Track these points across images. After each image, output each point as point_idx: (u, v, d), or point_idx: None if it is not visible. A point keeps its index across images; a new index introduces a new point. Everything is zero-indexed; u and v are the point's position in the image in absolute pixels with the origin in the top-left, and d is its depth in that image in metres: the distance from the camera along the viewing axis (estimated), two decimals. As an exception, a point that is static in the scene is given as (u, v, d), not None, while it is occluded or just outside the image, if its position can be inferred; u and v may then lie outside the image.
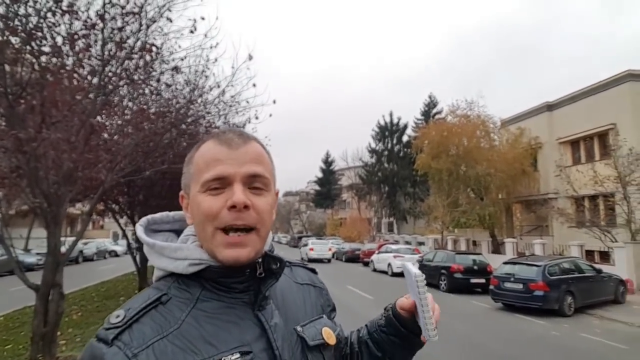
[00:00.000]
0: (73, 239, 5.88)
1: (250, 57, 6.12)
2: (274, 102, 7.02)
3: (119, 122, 5.82)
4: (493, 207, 24.18)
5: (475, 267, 15.21)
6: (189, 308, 0.72)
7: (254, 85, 6.50)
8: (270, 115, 7.60)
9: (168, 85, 7.60)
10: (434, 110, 42.55)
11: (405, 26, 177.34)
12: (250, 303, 0.77)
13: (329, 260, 28.33)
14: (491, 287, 12.07)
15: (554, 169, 21.22)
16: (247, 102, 7.27)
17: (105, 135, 5.85)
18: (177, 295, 0.74)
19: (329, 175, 62.49)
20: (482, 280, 14.64)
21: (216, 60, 6.47)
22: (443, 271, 15.40)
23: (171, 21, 5.30)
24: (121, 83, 5.60)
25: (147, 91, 6.83)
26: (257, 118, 7.54)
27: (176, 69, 8.00)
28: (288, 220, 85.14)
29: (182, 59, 6.22)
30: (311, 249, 28.30)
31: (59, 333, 6.51)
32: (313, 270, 1.03)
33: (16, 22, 4.49)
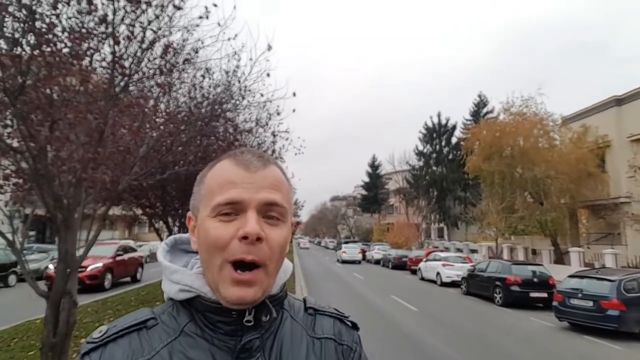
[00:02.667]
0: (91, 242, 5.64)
1: (269, 48, 5.62)
2: (294, 94, 6.46)
3: (135, 123, 5.49)
4: (555, 212, 22.06)
5: (535, 280, 13.70)
6: (170, 339, 0.69)
7: (268, 75, 5.98)
8: (294, 110, 7.07)
9: (193, 85, 7.30)
10: (484, 110, 40.44)
11: (461, 24, 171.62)
12: (233, 351, 0.69)
13: (359, 262, 32.68)
14: (555, 303, 10.67)
15: (626, 169, 18.92)
16: (262, 94, 6.75)
17: (124, 131, 5.56)
18: (165, 322, 0.72)
19: (375, 180, 61.56)
20: (544, 295, 13.13)
21: (235, 53, 6.05)
22: (498, 283, 14.03)
23: (180, 8, 4.90)
24: (134, 78, 5.29)
25: (156, 87, 6.53)
26: (278, 114, 7.03)
27: (208, 71, 7.75)
28: (335, 225, 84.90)
29: (196, 52, 5.80)
30: (344, 252, 33.23)
31: (82, 340, 6.34)
32: (353, 325, 0.85)
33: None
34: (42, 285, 4.94)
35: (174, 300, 0.74)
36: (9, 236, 4.95)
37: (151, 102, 6.99)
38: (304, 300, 0.85)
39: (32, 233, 24.76)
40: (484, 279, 14.97)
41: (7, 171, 5.40)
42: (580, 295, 10.01)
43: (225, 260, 0.67)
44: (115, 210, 17.04)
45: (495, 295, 14.03)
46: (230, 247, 0.67)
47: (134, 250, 17.47)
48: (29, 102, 4.39)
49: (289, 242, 0.76)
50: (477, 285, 15.48)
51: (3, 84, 3.90)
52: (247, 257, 0.66)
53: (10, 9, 4.47)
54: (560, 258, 22.55)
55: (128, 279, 16.13)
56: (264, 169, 0.72)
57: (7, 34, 4.45)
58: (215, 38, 5.46)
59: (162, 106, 7.69)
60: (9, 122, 4.39)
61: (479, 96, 41.63)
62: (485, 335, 9.14)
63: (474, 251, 29.12)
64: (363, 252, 35.30)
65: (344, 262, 31.93)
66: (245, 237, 0.66)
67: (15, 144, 4.56)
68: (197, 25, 5.72)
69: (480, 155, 24.83)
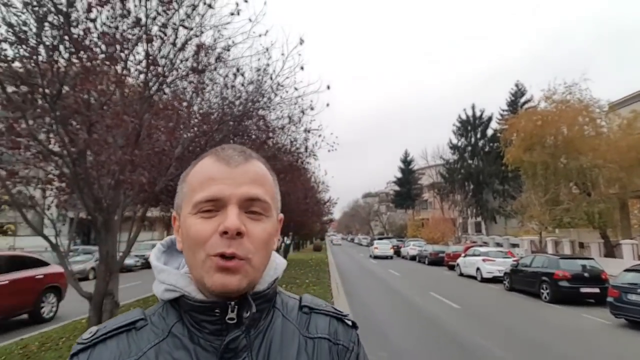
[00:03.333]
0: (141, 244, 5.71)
1: (302, 42, 5.47)
2: (328, 87, 6.28)
3: (170, 123, 5.51)
4: (604, 203, 20.76)
5: (586, 274, 12.90)
6: (157, 340, 0.69)
7: (302, 68, 5.82)
8: (328, 104, 6.89)
9: (225, 85, 7.28)
10: (522, 100, 38.73)
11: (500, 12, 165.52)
12: (219, 351, 0.68)
13: (391, 257, 33.75)
14: (610, 299, 9.97)
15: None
16: (295, 89, 6.60)
17: (160, 133, 5.60)
18: (155, 323, 0.72)
19: (408, 175, 60.57)
20: (596, 290, 12.34)
21: (267, 50, 5.94)
22: (544, 278, 13.32)
23: (211, 7, 4.84)
24: (168, 80, 5.30)
25: (189, 88, 6.54)
26: (312, 108, 6.88)
27: (238, 70, 7.72)
28: (368, 221, 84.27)
29: (228, 49, 5.74)
30: (376, 248, 34.66)
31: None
32: (352, 324, 0.82)
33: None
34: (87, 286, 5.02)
35: (165, 301, 0.73)
36: (52, 239, 5.10)
37: (185, 103, 7.05)
38: (300, 299, 0.82)
39: (76, 235, 26.00)
40: (529, 274, 14.27)
41: (50, 176, 5.57)
42: (639, 290, 9.30)
43: (208, 254, 0.67)
44: (154, 212, 17.55)
45: (542, 291, 13.33)
46: (211, 242, 0.67)
47: (37, 264, 9.34)
48: (67, 107, 4.47)
49: (276, 237, 0.76)
50: (521, 281, 14.79)
51: (42, 89, 3.98)
52: (227, 251, 0.66)
53: (50, 17, 4.58)
54: (611, 251, 21.22)
55: (25, 315, 8.85)
56: (245, 163, 0.71)
57: (46, 42, 4.55)
58: (246, 35, 5.38)
59: (195, 107, 7.75)
60: (50, 127, 4.49)
61: (516, 85, 39.95)
62: (535, 333, 8.64)
63: (515, 245, 27.99)
64: (394, 247, 36.12)
65: (376, 257, 33.35)
66: (225, 232, 0.66)
67: (56, 148, 4.67)
68: (228, 23, 5.68)
69: (521, 146, 23.73)
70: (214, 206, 0.68)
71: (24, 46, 4.46)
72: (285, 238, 28.28)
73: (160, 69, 5.08)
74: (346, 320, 0.82)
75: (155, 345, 0.68)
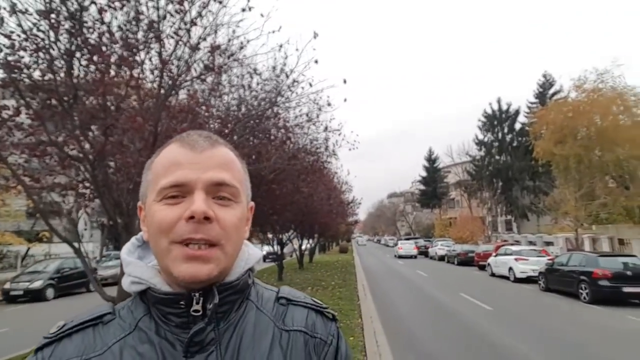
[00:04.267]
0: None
1: (316, 35, 5.30)
2: (345, 81, 6.08)
3: (184, 124, 5.45)
4: (645, 196, 19.67)
5: (629, 273, 12.12)
6: (123, 334, 0.67)
7: (316, 62, 5.64)
8: (345, 100, 6.69)
9: (242, 86, 7.21)
10: (551, 91, 37.29)
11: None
12: (185, 344, 0.65)
13: (415, 257, 34.81)
14: (656, 298, 9.31)
15: None
16: (310, 84, 6.41)
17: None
18: (123, 317, 0.70)
19: (433, 173, 59.49)
20: (640, 290, 11.60)
21: (281, 46, 5.80)
22: (583, 277, 12.61)
23: (222, 3, 4.75)
24: (182, 80, 5.24)
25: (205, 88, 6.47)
26: (329, 104, 6.69)
27: (255, 71, 7.65)
28: (394, 222, 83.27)
29: (241, 47, 5.64)
30: (400, 248, 35.98)
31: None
32: (332, 317, 0.79)
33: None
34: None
35: (135, 295, 0.71)
36: (85, 245, 5.13)
37: (203, 107, 7.02)
38: (278, 290, 0.79)
39: (109, 241, 26.73)
40: (566, 273, 13.56)
41: (74, 182, 5.62)
42: (689, 289, 8.63)
43: (172, 241, 0.64)
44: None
45: (581, 291, 12.63)
46: (177, 228, 0.64)
47: None
48: (83, 111, 4.47)
49: (247, 224, 0.73)
50: (558, 281, 14.09)
51: (59, 96, 3.98)
52: (196, 236, 0.63)
53: (65, 24, 4.60)
54: (655, 247, 20.05)
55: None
56: (211, 148, 0.69)
57: (61, 48, 4.57)
58: (259, 31, 5.27)
59: (213, 110, 7.72)
60: (68, 132, 4.51)
61: (544, 76, 38.55)
62: (575, 335, 8.13)
63: (549, 244, 26.84)
64: (420, 248, 37.49)
65: (400, 257, 34.59)
66: (191, 217, 0.63)
67: (75, 153, 4.68)
68: (241, 20, 5.58)
69: (551, 139, 22.80)
70: (180, 192, 0.65)
71: (41, 53, 4.49)
72: (311, 240, 28.19)
73: (174, 69, 5.03)
74: (326, 313, 0.79)
75: (121, 340, 0.66)
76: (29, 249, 20.51)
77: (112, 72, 4.93)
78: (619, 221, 21.55)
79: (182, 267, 0.63)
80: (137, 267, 0.70)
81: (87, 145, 4.56)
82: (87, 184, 4.84)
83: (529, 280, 16.56)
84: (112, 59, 4.91)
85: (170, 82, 5.39)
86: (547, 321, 9.54)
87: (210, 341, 0.66)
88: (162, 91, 5.18)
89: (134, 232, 5.13)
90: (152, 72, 5.16)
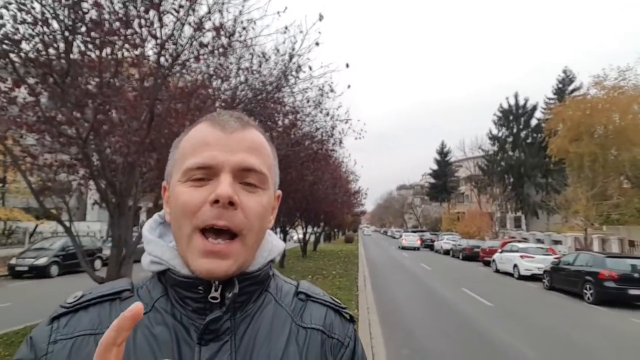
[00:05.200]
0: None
1: (321, 18, 5.12)
2: (347, 66, 5.91)
3: (182, 103, 5.36)
4: (659, 198, 19.14)
5: (636, 275, 11.83)
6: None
7: (317, 44, 5.47)
8: (349, 86, 6.52)
9: (247, 69, 7.07)
10: (571, 87, 36.35)
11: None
12: (199, 331, 0.64)
13: (418, 249, 36.19)
14: (663, 303, 9.08)
15: None
16: (310, 67, 6.25)
17: (171, 120, 5.45)
18: (142, 295, 0.68)
19: (444, 167, 58.91)
20: (647, 292, 11.34)
21: (286, 28, 5.64)
22: (588, 277, 12.38)
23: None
24: (183, 59, 5.13)
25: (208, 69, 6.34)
26: (332, 90, 6.52)
27: (264, 55, 7.51)
28: (402, 214, 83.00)
29: (244, 28, 5.49)
30: (404, 240, 37.37)
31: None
32: (350, 318, 0.77)
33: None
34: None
35: (153, 274, 0.70)
36: (96, 225, 5.11)
37: (210, 90, 6.91)
38: (297, 285, 0.77)
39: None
40: (572, 272, 13.32)
41: (72, 160, 5.58)
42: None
43: (196, 227, 0.62)
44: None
45: (585, 291, 12.41)
46: (200, 213, 0.61)
47: None
48: (78, 88, 4.40)
49: (273, 214, 0.71)
50: (562, 280, 13.86)
51: (53, 69, 3.90)
52: (219, 223, 0.61)
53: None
54: (666, 251, 19.60)
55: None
56: (242, 130, 0.66)
57: (60, 22, 4.48)
58: (264, 10, 5.11)
59: (219, 93, 7.61)
60: (64, 109, 4.45)
61: (564, 72, 37.53)
62: (576, 336, 7.97)
63: (557, 242, 26.43)
64: (423, 240, 38.64)
65: (404, 248, 36.07)
66: (216, 201, 0.61)
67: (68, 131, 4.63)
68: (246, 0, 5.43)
69: (566, 137, 22.30)
70: (206, 174, 0.63)
71: (39, 27, 4.41)
72: (316, 228, 28.18)
73: (172, 47, 4.92)
74: (344, 313, 0.77)
75: None
76: (37, 225, 20.84)
77: (110, 49, 4.84)
78: (631, 222, 21.05)
79: (199, 261, 0.62)
80: (157, 247, 0.68)
81: (84, 124, 4.49)
82: (85, 163, 4.80)
83: (533, 278, 16.33)
84: (112, 37, 4.83)
85: (170, 60, 5.29)
86: (547, 320, 9.37)
87: (225, 330, 0.65)
88: (161, 70, 5.08)
89: (127, 212, 5.09)
90: (152, 50, 5.06)
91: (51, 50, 4.43)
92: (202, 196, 0.62)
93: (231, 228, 0.61)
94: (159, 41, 5.08)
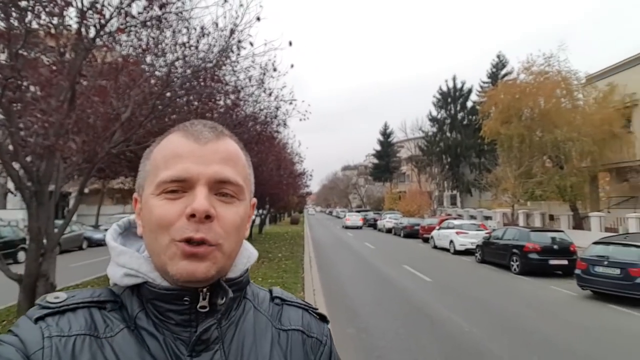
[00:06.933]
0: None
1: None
2: (290, 43, 5.71)
3: (108, 80, 4.88)
4: (575, 176, 21.08)
5: (555, 246, 13.07)
6: (124, 324, 0.64)
7: (258, 19, 5.21)
8: (292, 66, 6.33)
9: (183, 44, 6.59)
10: (503, 72, 38.53)
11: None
12: (187, 343, 0.63)
13: (360, 228, 38.02)
14: (577, 271, 10.07)
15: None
16: (251, 43, 5.98)
17: (96, 99, 4.94)
18: (122, 309, 0.66)
19: (387, 148, 60.51)
20: (564, 262, 12.54)
21: (225, 0, 5.27)
22: (515, 250, 13.46)
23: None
24: (108, 30, 4.63)
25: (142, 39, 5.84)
26: (275, 70, 6.30)
27: (203, 29, 7.01)
28: (346, 194, 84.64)
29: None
30: (347, 219, 39.30)
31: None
32: (321, 317, 0.80)
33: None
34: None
35: (124, 288, 0.67)
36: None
37: (142, 66, 6.36)
38: (270, 291, 0.79)
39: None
40: (500, 246, 14.41)
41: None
42: (606, 262, 9.38)
43: (172, 239, 0.61)
44: (127, 184, 16.71)
45: (512, 263, 13.50)
46: (177, 226, 0.61)
47: None
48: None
49: (249, 222, 0.69)
50: (492, 253, 14.96)
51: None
52: (196, 236, 0.60)
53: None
54: (580, 223, 21.79)
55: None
56: (217, 140, 0.65)
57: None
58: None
59: (152, 69, 7.05)
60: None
61: (498, 57, 39.62)
62: (504, 305, 8.65)
63: (488, 218, 28.47)
64: (365, 220, 40.75)
65: (347, 227, 37.59)
66: (192, 215, 0.60)
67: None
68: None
69: (498, 119, 23.67)
70: (180, 187, 0.62)
71: None
72: (261, 211, 27.89)
73: (96, 17, 4.41)
74: (316, 314, 0.80)
75: (127, 328, 0.63)
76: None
77: (19, 15, 4.24)
78: (551, 198, 23.08)
79: (180, 264, 0.60)
80: (133, 259, 0.65)
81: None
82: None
83: (467, 252, 17.44)
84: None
85: (94, 32, 4.77)
86: (479, 292, 10.07)
87: (215, 339, 0.64)
88: (83, 41, 4.55)
89: (46, 201, 4.59)
90: (74, 19, 4.50)
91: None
92: (177, 209, 0.61)
93: (209, 240, 0.60)
94: (78, 8, 4.55)
